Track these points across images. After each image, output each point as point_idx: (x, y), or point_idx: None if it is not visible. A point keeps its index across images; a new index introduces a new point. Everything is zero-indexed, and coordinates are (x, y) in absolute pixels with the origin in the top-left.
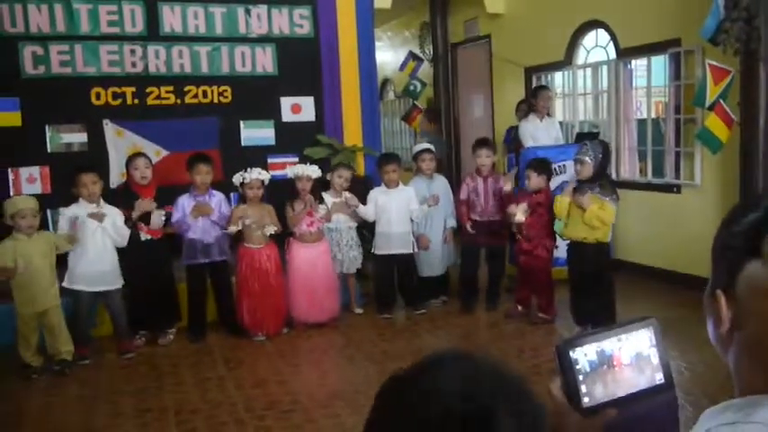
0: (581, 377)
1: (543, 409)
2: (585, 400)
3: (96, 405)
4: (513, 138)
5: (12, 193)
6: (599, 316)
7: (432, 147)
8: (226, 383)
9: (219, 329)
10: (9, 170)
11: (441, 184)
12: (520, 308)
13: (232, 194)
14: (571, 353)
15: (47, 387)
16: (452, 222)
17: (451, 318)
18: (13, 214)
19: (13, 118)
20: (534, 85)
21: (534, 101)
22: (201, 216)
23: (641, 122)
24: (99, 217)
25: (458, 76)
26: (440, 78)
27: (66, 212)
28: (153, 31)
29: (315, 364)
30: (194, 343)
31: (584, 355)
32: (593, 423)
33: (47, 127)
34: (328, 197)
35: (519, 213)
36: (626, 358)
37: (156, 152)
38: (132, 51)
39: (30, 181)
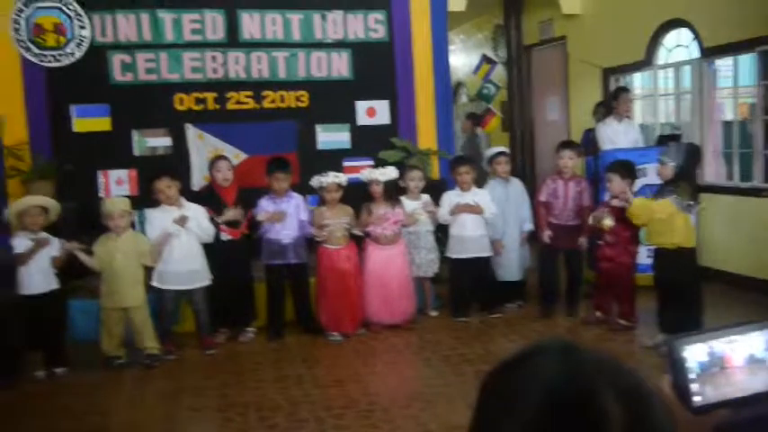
0: (692, 376)
1: (657, 397)
2: (696, 399)
3: (181, 398)
4: (590, 141)
5: (101, 195)
6: (685, 324)
7: (507, 150)
8: (304, 382)
9: (297, 329)
10: (99, 173)
11: (517, 187)
12: (598, 314)
13: (309, 197)
14: (682, 351)
15: (134, 380)
16: (529, 226)
17: (528, 322)
18: (105, 214)
19: (103, 123)
20: (612, 86)
21: (615, 103)
22: (275, 222)
23: (726, 124)
24: (182, 221)
25: (532, 79)
26: (514, 81)
27: (153, 220)
28: (233, 38)
29: (391, 365)
30: (273, 341)
31: (694, 354)
32: (704, 423)
33: (134, 131)
34: (407, 201)
35: (608, 218)
36: (738, 360)
37: (235, 155)
38: (213, 58)
39: (118, 183)
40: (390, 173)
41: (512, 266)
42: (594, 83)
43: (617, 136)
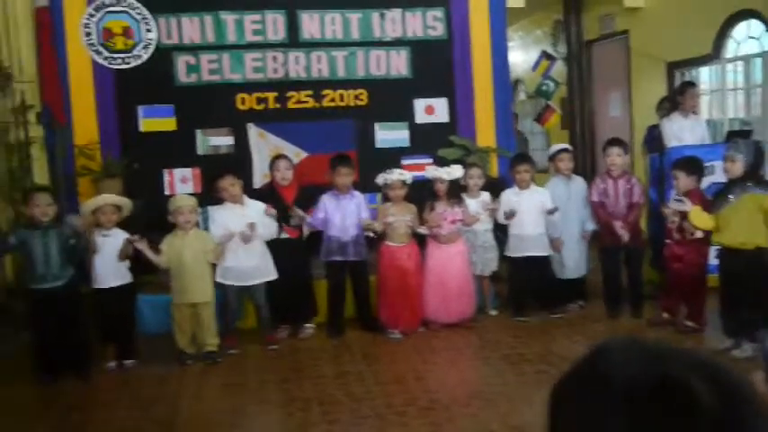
0: None
1: (747, 384)
2: None
3: (244, 392)
4: (655, 137)
5: (167, 193)
6: (754, 328)
7: (570, 147)
8: (365, 378)
9: (357, 326)
10: (165, 171)
11: (579, 185)
12: (666, 315)
13: (368, 195)
14: None
15: (198, 373)
16: (591, 225)
17: (590, 323)
18: (173, 210)
19: (169, 123)
20: (677, 81)
21: (681, 98)
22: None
23: None
24: (247, 238)
25: (593, 75)
26: (574, 77)
27: (217, 218)
28: (293, 38)
29: (451, 363)
30: (333, 338)
31: None
32: None
33: (197, 131)
34: (467, 199)
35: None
36: None
37: (296, 154)
38: (274, 58)
39: (183, 181)
40: (455, 172)
41: (573, 266)
42: (658, 78)
43: (683, 132)
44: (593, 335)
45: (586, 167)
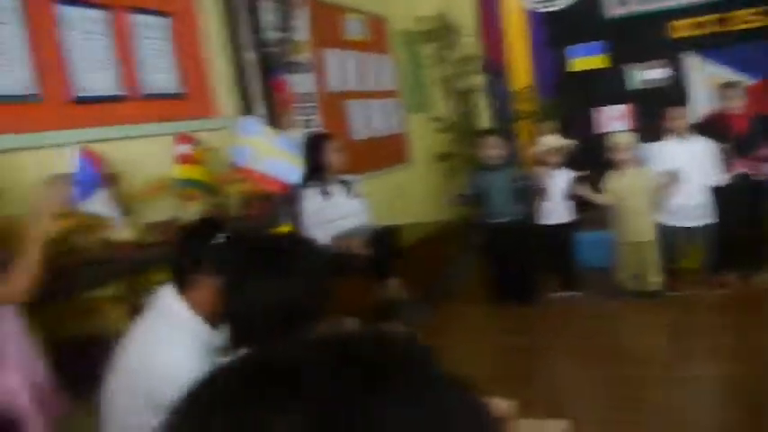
0: None
1: None
2: None
3: (690, 335)
4: None
5: (598, 131)
6: None
7: None
8: None
9: None
10: (594, 109)
11: None
12: None
13: None
14: None
15: (641, 310)
16: None
17: None
18: (611, 148)
19: (600, 61)
20: None
21: None
22: None
23: None
24: (671, 184)
25: None
26: None
27: (658, 153)
28: None
29: None
30: None
31: None
32: None
33: (628, 66)
34: None
35: None
36: None
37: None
38: None
39: (614, 118)
40: None
41: None
42: None
43: None
44: None
45: None
